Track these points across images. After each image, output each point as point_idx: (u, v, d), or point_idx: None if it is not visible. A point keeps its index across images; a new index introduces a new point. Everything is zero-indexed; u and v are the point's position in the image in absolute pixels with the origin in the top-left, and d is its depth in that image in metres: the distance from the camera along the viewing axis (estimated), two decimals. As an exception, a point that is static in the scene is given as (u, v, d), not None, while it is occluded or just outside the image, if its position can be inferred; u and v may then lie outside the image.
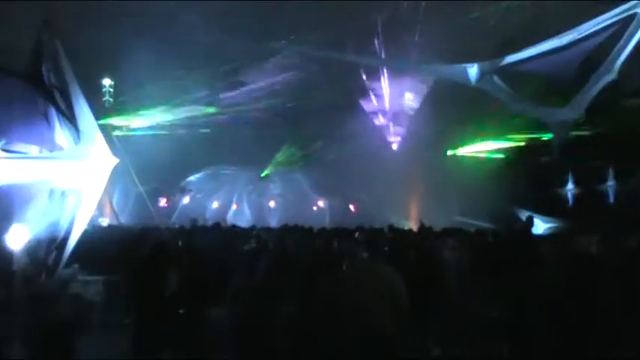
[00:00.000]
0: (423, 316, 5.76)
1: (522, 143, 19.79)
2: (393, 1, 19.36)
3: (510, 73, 14.03)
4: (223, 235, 9.66)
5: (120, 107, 21.45)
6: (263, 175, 25.49)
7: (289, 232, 9.93)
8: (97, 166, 7.44)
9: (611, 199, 17.15)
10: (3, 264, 6.37)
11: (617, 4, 11.40)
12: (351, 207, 25.04)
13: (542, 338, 5.09)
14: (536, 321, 5.18)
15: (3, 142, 6.81)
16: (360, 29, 18.91)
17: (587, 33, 11.86)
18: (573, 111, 13.47)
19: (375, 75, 21.76)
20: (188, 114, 21.92)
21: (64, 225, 7.20)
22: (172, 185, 24.03)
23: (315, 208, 26.50)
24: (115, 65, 19.07)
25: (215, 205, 26.04)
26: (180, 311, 6.03)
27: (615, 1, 11.49)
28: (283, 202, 26.15)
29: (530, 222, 10.35)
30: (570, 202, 18.61)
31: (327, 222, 20.72)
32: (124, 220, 16.88)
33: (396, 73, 21.49)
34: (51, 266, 7.05)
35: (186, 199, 24.88)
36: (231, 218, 23.45)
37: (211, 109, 22.04)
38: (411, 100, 22.07)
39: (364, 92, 22.37)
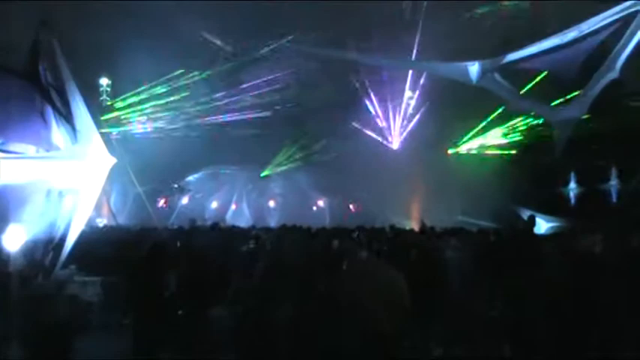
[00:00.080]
0: (424, 316, 5.71)
1: (524, 142, 19.75)
2: (393, 0, 19.35)
3: (512, 72, 13.99)
4: (222, 235, 9.62)
5: (117, 106, 21.42)
6: (263, 174, 25.40)
7: (287, 233, 9.86)
8: (94, 166, 7.42)
9: (614, 199, 17.04)
10: (-1, 265, 6.34)
11: (618, 3, 11.35)
12: (351, 206, 24.96)
13: (543, 338, 5.04)
14: (537, 321, 5.14)
15: (0, 141, 6.78)
16: (360, 28, 18.87)
17: (588, 31, 11.81)
18: (575, 109, 13.42)
19: (375, 74, 21.70)
20: (187, 114, 21.88)
21: (61, 226, 7.19)
22: (171, 185, 23.96)
23: (315, 207, 26.41)
24: (113, 65, 19.02)
25: (214, 205, 25.96)
26: (179, 312, 6.01)
27: (615, 0, 11.45)
28: (283, 201, 26.03)
29: (532, 221, 10.34)
30: (572, 201, 18.49)
31: (327, 221, 20.63)
32: (122, 221, 16.79)
33: (396, 71, 21.45)
34: (48, 267, 7.02)
35: (185, 200, 24.81)
36: (230, 218, 23.39)
37: (211, 109, 21.99)
38: (411, 98, 22.01)
39: (365, 91, 22.31)
